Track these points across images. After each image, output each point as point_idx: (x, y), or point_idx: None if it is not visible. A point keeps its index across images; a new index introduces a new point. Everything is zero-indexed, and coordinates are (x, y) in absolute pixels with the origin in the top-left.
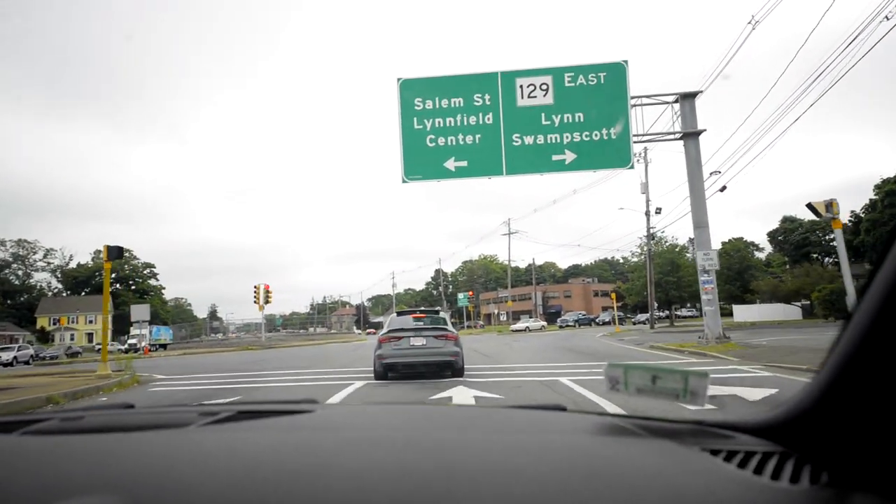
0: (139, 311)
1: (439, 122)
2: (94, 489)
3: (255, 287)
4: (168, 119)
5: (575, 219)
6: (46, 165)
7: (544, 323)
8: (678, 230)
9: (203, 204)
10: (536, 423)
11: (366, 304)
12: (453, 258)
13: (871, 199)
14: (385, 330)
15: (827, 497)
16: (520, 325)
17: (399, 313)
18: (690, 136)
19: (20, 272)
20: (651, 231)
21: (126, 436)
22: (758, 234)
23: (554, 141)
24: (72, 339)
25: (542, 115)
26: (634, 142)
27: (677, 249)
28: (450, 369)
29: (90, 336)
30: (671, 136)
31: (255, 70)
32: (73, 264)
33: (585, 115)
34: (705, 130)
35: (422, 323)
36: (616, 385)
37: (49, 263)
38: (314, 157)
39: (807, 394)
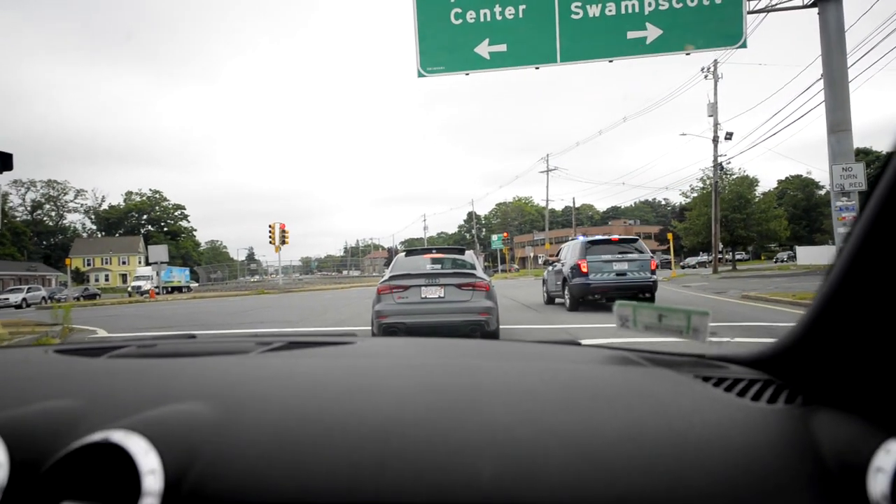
0: (156, 252)
1: None
2: (183, 400)
3: (269, 227)
4: (203, 63)
5: (618, 158)
6: (80, 109)
7: None
8: (747, 161)
9: (240, 149)
10: (551, 354)
11: (398, 246)
12: (487, 199)
13: None
14: (387, 276)
15: (798, 413)
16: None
17: (408, 252)
18: None
19: (53, 213)
20: (720, 160)
21: (198, 359)
22: (817, 173)
23: (631, 9)
24: (106, 279)
25: None
26: (749, 11)
27: (747, 183)
28: (479, 332)
29: (124, 277)
30: (798, 1)
31: (292, 16)
32: (105, 206)
33: None
34: None
35: (440, 266)
36: (626, 322)
37: (81, 205)
38: (347, 102)
39: (793, 330)
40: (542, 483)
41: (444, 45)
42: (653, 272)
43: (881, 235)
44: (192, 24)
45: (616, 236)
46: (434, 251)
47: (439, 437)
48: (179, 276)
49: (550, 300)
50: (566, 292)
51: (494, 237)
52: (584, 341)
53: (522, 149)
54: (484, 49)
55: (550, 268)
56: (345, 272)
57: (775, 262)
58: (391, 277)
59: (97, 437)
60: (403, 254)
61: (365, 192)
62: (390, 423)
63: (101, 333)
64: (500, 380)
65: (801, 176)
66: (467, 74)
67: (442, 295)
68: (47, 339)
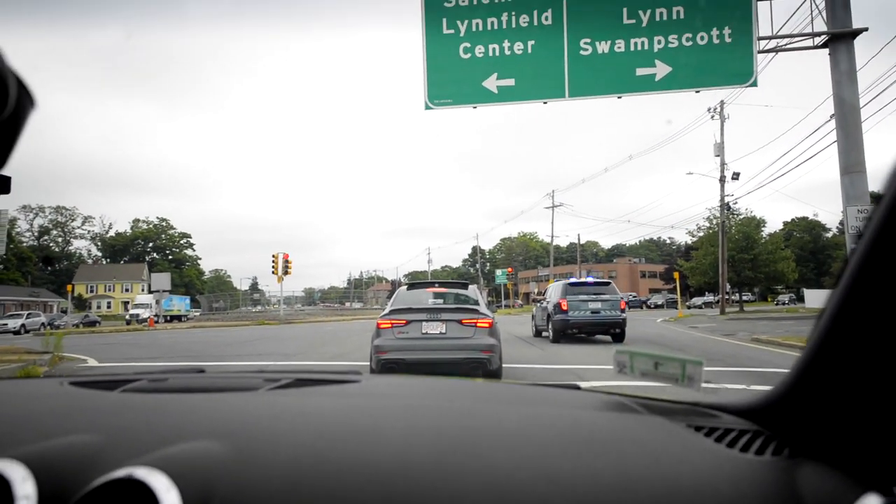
0: (159, 280)
1: (478, 25)
2: (196, 437)
3: (273, 256)
4: (211, 93)
5: (623, 196)
6: (91, 137)
7: None
8: (753, 202)
9: (245, 179)
10: (551, 398)
11: (402, 279)
12: (492, 233)
13: None
14: (388, 309)
15: (784, 466)
16: None
17: (410, 286)
18: (840, 38)
19: (60, 239)
20: (727, 200)
21: (209, 395)
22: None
23: (640, 47)
24: (108, 306)
25: (625, 9)
26: (759, 51)
27: (755, 223)
28: (481, 370)
29: (126, 304)
30: (809, 42)
31: (293, 42)
32: (111, 233)
33: (687, 9)
34: (866, 30)
35: (442, 301)
36: (623, 369)
37: (88, 231)
38: (353, 133)
39: (783, 380)
40: None
41: (452, 79)
42: (622, 311)
43: (869, 284)
44: (201, 54)
45: (592, 279)
46: (437, 285)
47: (442, 481)
48: (180, 304)
49: (538, 333)
50: (550, 326)
51: (499, 272)
52: (583, 384)
53: (528, 185)
54: (492, 83)
55: (538, 305)
56: (347, 304)
57: (776, 304)
58: (391, 311)
59: (121, 473)
60: (405, 287)
61: (369, 224)
62: (396, 465)
63: (92, 363)
64: (501, 424)
65: (808, 218)
66: (475, 108)
67: (444, 331)
68: (34, 367)
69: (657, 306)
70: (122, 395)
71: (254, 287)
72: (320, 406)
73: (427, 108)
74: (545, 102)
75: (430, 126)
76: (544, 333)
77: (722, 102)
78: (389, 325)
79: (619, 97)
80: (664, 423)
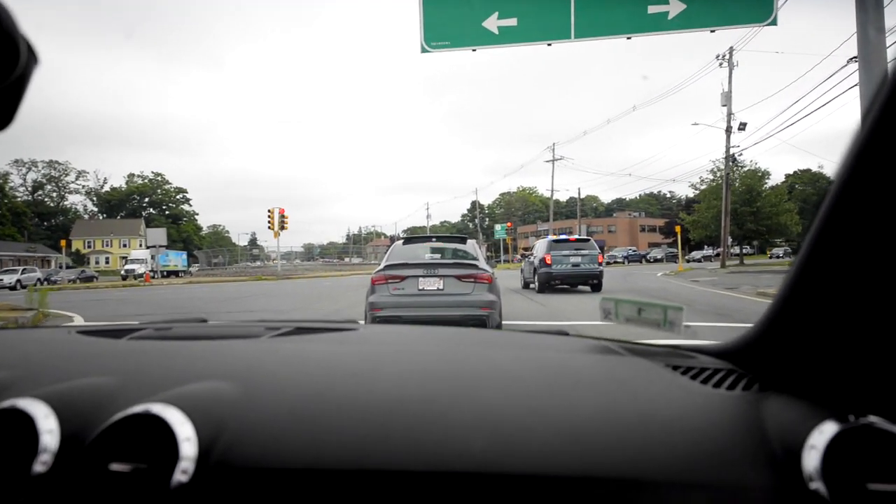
0: (155, 236)
1: None
2: (205, 379)
3: (268, 211)
4: (209, 48)
5: (625, 150)
6: (86, 92)
7: None
8: (756, 154)
9: (245, 136)
10: (541, 343)
11: (400, 234)
12: (491, 188)
13: None
14: (382, 265)
15: (751, 399)
16: None
17: (406, 240)
18: None
19: (54, 194)
20: (733, 152)
21: (212, 342)
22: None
23: None
24: (106, 262)
25: None
26: None
27: (759, 175)
28: (480, 327)
29: (125, 259)
30: None
31: (300, 2)
32: (106, 187)
33: None
34: None
35: (439, 256)
36: (608, 315)
37: (83, 186)
38: (353, 89)
39: (756, 324)
40: (524, 455)
41: (450, 19)
42: (600, 264)
43: (836, 231)
44: (199, 9)
45: (574, 237)
46: (434, 239)
47: (436, 416)
48: (176, 259)
49: (526, 285)
50: (535, 279)
51: (498, 227)
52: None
53: (527, 139)
54: (493, 23)
55: (526, 259)
56: (346, 259)
57: (770, 257)
58: (387, 267)
59: (138, 408)
60: (401, 241)
61: (369, 180)
62: (393, 403)
63: (78, 321)
64: (492, 366)
65: (811, 170)
66: (474, 51)
67: (441, 287)
68: (13, 325)
69: (656, 260)
70: (129, 342)
71: (252, 243)
72: (320, 352)
73: (424, 50)
74: (549, 44)
75: (429, 81)
76: (531, 285)
77: (731, 49)
78: (384, 281)
79: (629, 38)
80: (644, 363)
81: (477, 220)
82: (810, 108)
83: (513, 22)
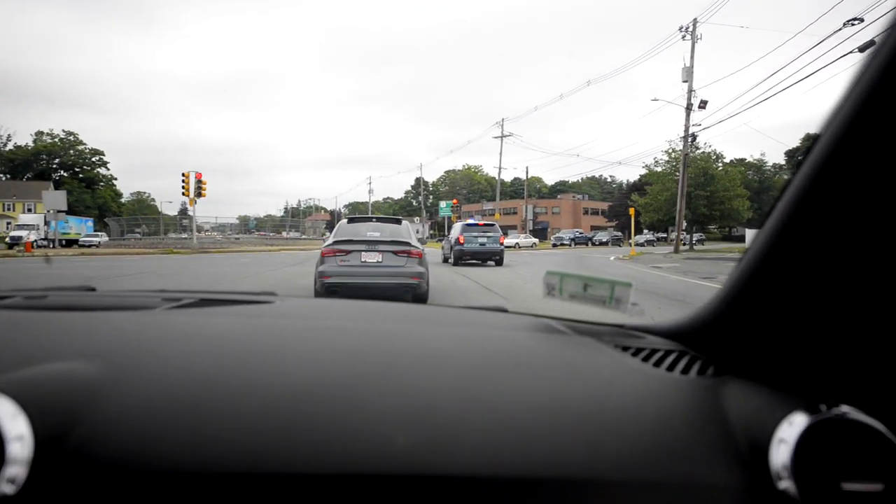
0: (52, 199)
1: None
2: (65, 359)
3: (183, 175)
4: (138, 5)
5: (570, 134)
6: None
7: (536, 240)
8: (710, 137)
9: (178, 98)
10: (478, 320)
11: (343, 209)
12: (436, 164)
13: None
14: (330, 240)
15: (709, 384)
16: (509, 240)
17: (350, 220)
18: None
19: None
20: (692, 131)
21: (92, 314)
22: (773, 155)
23: None
24: (7, 226)
25: None
26: None
27: (714, 157)
28: (411, 294)
29: (7, 224)
30: None
31: None
32: (10, 146)
33: None
34: None
35: (378, 234)
36: (552, 291)
37: None
38: (294, 55)
39: (709, 304)
40: (458, 451)
41: None
42: (501, 244)
43: (796, 218)
44: None
45: (482, 222)
46: (374, 220)
47: (354, 404)
48: (79, 226)
49: (445, 259)
50: (451, 254)
51: (443, 204)
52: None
53: (475, 118)
54: None
55: (446, 239)
56: (283, 233)
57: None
58: (335, 242)
59: None
60: (346, 221)
61: (311, 153)
62: (302, 389)
63: None
64: (423, 345)
65: (745, 160)
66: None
67: (380, 260)
68: None
69: (601, 243)
70: None
71: (183, 212)
72: (222, 326)
73: None
74: None
75: (373, 53)
76: (449, 260)
77: (695, 20)
78: (332, 254)
79: None
80: (591, 343)
81: (421, 198)
82: (772, 93)
83: None
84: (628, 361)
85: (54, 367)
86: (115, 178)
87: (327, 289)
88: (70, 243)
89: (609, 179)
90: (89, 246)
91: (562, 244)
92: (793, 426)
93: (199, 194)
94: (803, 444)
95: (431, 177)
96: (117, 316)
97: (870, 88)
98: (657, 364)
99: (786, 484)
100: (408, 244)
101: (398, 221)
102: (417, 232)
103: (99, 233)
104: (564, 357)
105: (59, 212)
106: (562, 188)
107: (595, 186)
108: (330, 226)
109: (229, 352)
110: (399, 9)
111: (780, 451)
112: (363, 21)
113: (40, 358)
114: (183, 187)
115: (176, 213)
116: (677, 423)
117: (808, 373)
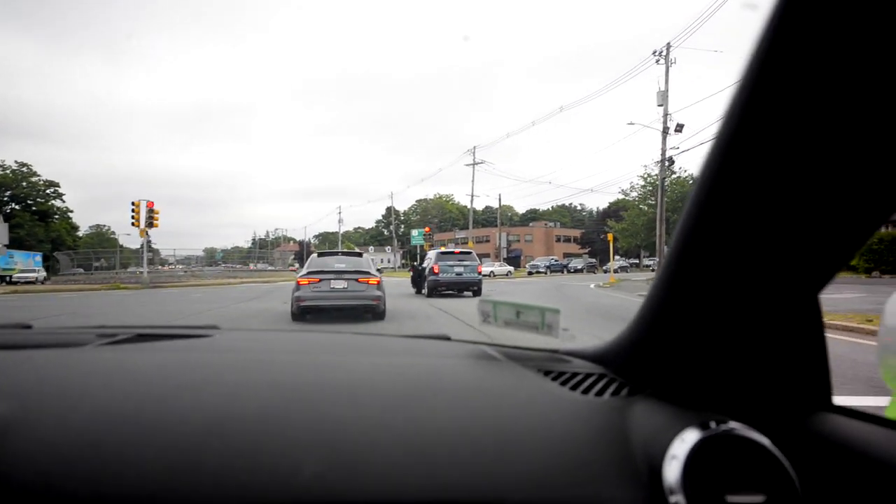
0: None
1: None
2: None
3: (133, 204)
4: (104, 36)
5: (537, 161)
6: None
7: (511, 268)
8: (687, 161)
9: (146, 129)
10: (416, 349)
11: (312, 240)
12: (407, 193)
13: None
14: (305, 271)
15: (619, 405)
16: (483, 269)
17: (320, 254)
18: None
19: None
20: (669, 154)
21: (21, 353)
22: None
23: None
24: None
25: None
26: None
27: (690, 182)
28: (370, 312)
29: None
30: None
31: None
32: None
33: None
34: None
35: (344, 265)
36: (487, 318)
37: None
38: (263, 89)
39: (628, 329)
40: (364, 477)
41: None
42: (479, 274)
43: (693, 241)
44: None
45: (458, 250)
46: (340, 254)
47: (267, 436)
48: (25, 262)
49: (418, 291)
50: (425, 285)
51: (415, 232)
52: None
53: (445, 148)
54: None
55: (413, 267)
56: (252, 265)
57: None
58: (308, 272)
59: None
60: (317, 254)
61: (279, 183)
62: (215, 422)
63: None
64: (348, 376)
65: None
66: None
67: (346, 286)
68: None
69: (577, 270)
70: None
71: (148, 246)
72: (150, 362)
73: None
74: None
75: (343, 85)
76: (423, 292)
77: (668, 45)
78: (308, 283)
79: None
80: (516, 368)
81: (392, 227)
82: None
83: None
84: (547, 385)
85: None
86: (71, 211)
87: (303, 310)
88: (3, 280)
89: (579, 207)
90: (26, 283)
91: (537, 272)
92: (684, 442)
93: (150, 224)
94: (692, 460)
95: (403, 206)
96: (46, 353)
97: (738, 110)
98: (574, 387)
99: (676, 498)
100: (368, 273)
101: (359, 255)
102: (389, 262)
103: (36, 268)
104: (486, 383)
105: (1, 246)
106: (533, 216)
107: (566, 214)
108: (298, 256)
109: (152, 387)
110: (370, 44)
111: (672, 467)
112: (333, 56)
113: None
114: (133, 216)
115: (139, 247)
116: (583, 443)
117: (706, 392)
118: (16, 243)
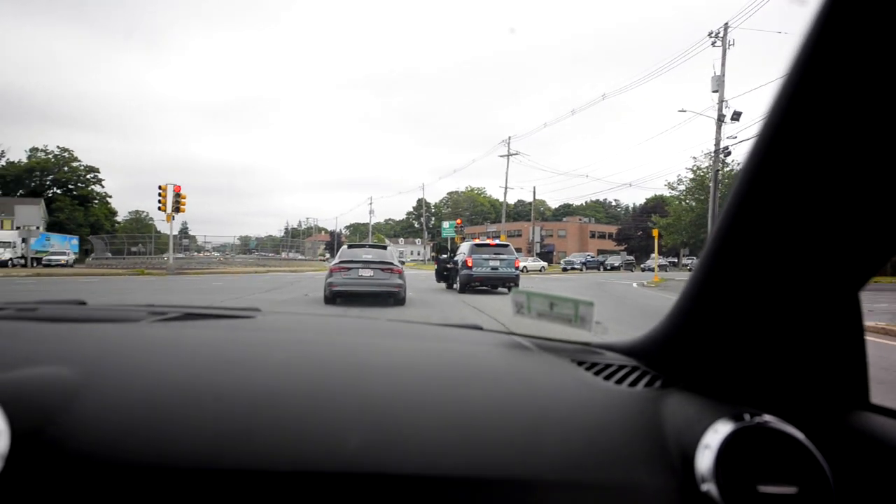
0: (25, 214)
1: None
2: (46, 364)
3: (160, 188)
4: (149, 32)
5: (577, 155)
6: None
7: (544, 264)
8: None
9: (180, 119)
10: (451, 336)
11: (343, 231)
12: (438, 185)
13: None
14: (336, 260)
15: (652, 396)
16: None
17: (350, 246)
18: None
19: None
20: (724, 145)
21: (79, 325)
22: None
23: None
24: None
25: None
26: None
27: None
28: (393, 298)
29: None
30: None
31: None
32: (2, 161)
33: None
34: None
35: (371, 256)
36: (521, 309)
37: None
38: (299, 82)
39: (660, 323)
40: (405, 451)
41: None
42: (517, 268)
43: (733, 235)
44: None
45: (494, 242)
46: (368, 246)
47: (314, 409)
48: (61, 245)
49: (449, 285)
50: (458, 280)
51: (446, 224)
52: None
53: (478, 141)
54: None
55: (440, 260)
56: (283, 254)
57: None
58: (340, 262)
59: None
60: (347, 246)
61: (313, 174)
62: (265, 395)
63: None
64: (388, 357)
65: None
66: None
67: (372, 275)
68: None
69: (613, 268)
70: None
71: (184, 233)
72: (199, 338)
73: None
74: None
75: (379, 79)
76: (454, 286)
77: (726, 25)
78: (339, 270)
79: None
80: (550, 358)
81: (423, 219)
82: None
83: None
84: (580, 374)
85: (36, 371)
86: (110, 196)
87: (334, 294)
88: (42, 262)
89: (614, 203)
90: (56, 265)
91: (572, 268)
92: (717, 433)
93: (176, 209)
94: (725, 450)
95: (434, 198)
96: (103, 327)
97: (781, 111)
98: (608, 378)
99: (708, 486)
100: (391, 263)
101: (384, 247)
102: (419, 254)
103: (66, 252)
104: (521, 370)
105: (34, 228)
106: (566, 211)
107: (600, 210)
108: (329, 246)
109: (203, 361)
110: (403, 36)
111: (705, 456)
112: (369, 50)
113: (25, 364)
114: (160, 201)
115: (175, 233)
116: (616, 430)
117: (741, 386)
118: (56, 226)
